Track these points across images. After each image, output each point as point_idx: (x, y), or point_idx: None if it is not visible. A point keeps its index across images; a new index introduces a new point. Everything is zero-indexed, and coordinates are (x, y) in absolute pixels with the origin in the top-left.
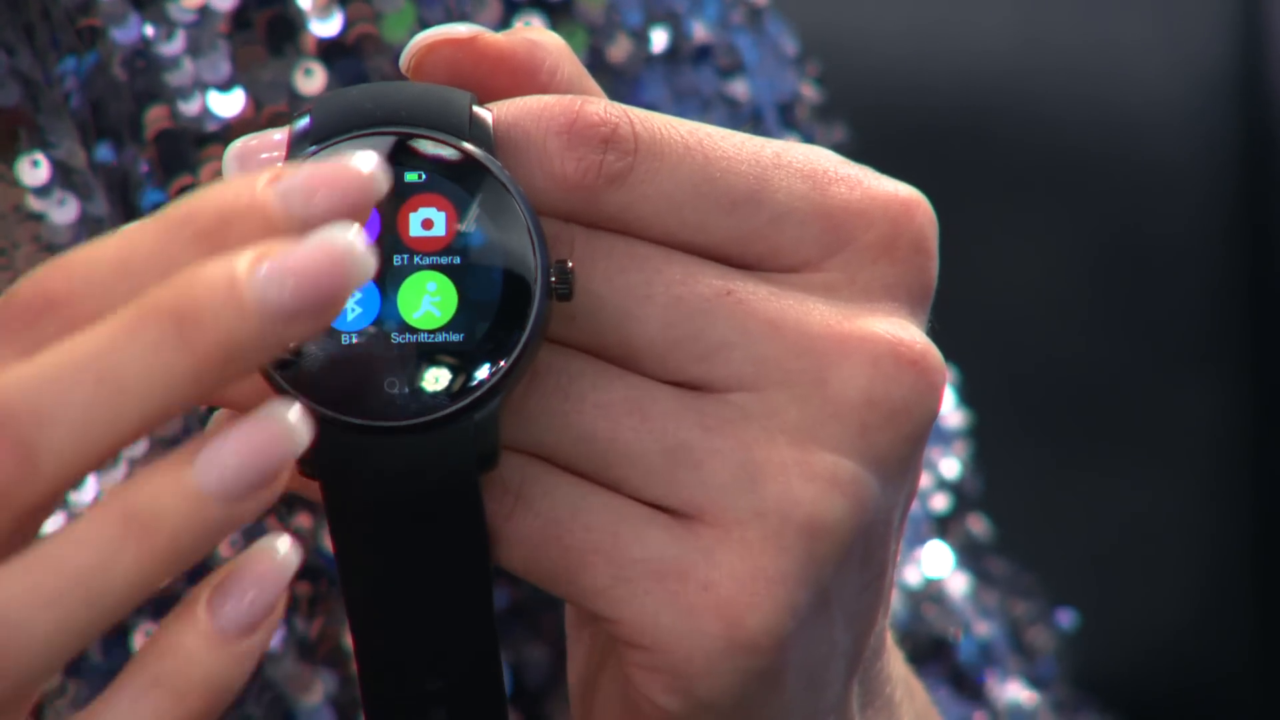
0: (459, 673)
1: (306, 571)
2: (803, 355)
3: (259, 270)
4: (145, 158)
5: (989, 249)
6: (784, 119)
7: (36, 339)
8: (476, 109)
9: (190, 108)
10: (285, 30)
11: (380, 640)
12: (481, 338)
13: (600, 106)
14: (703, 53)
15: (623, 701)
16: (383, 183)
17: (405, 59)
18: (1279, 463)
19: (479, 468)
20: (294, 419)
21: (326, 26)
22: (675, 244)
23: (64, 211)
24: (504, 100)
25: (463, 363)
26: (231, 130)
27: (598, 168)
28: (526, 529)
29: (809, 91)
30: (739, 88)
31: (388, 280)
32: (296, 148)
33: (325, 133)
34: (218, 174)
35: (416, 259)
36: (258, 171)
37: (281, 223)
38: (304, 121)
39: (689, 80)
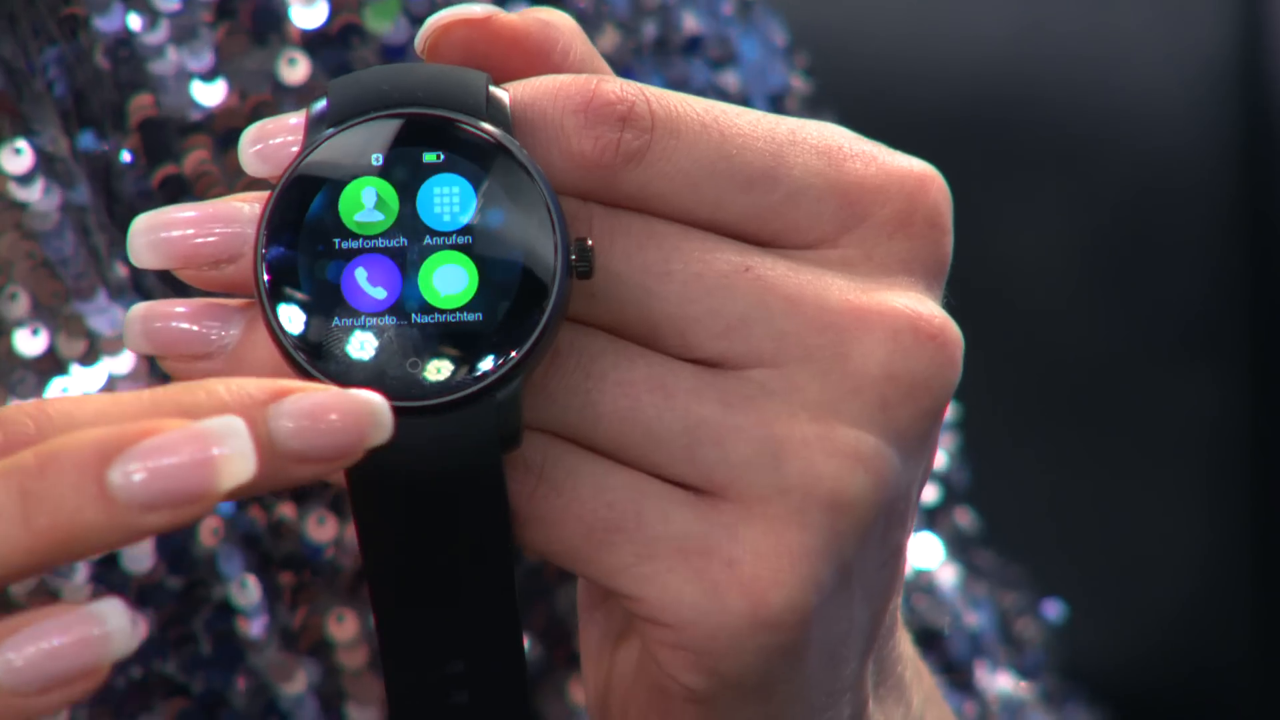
0: (481, 654)
1: (291, 561)
2: (823, 330)
3: (122, 463)
4: (128, 146)
5: (982, 238)
6: (774, 110)
7: None
8: (493, 89)
9: (174, 97)
10: (269, 19)
11: (402, 622)
12: (503, 317)
13: (616, 85)
14: (693, 44)
15: (643, 679)
16: (385, 427)
17: (420, 40)
18: (1275, 453)
19: (502, 447)
20: (115, 625)
21: (310, 16)
22: (692, 221)
23: (47, 200)
24: (520, 80)
25: (484, 342)
26: (215, 119)
27: (615, 146)
28: (549, 508)
29: (799, 83)
30: (729, 79)
31: (408, 261)
32: (314, 130)
33: (343, 115)
34: (201, 163)
35: (436, 239)
36: (264, 381)
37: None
38: (321, 104)
39: (679, 71)
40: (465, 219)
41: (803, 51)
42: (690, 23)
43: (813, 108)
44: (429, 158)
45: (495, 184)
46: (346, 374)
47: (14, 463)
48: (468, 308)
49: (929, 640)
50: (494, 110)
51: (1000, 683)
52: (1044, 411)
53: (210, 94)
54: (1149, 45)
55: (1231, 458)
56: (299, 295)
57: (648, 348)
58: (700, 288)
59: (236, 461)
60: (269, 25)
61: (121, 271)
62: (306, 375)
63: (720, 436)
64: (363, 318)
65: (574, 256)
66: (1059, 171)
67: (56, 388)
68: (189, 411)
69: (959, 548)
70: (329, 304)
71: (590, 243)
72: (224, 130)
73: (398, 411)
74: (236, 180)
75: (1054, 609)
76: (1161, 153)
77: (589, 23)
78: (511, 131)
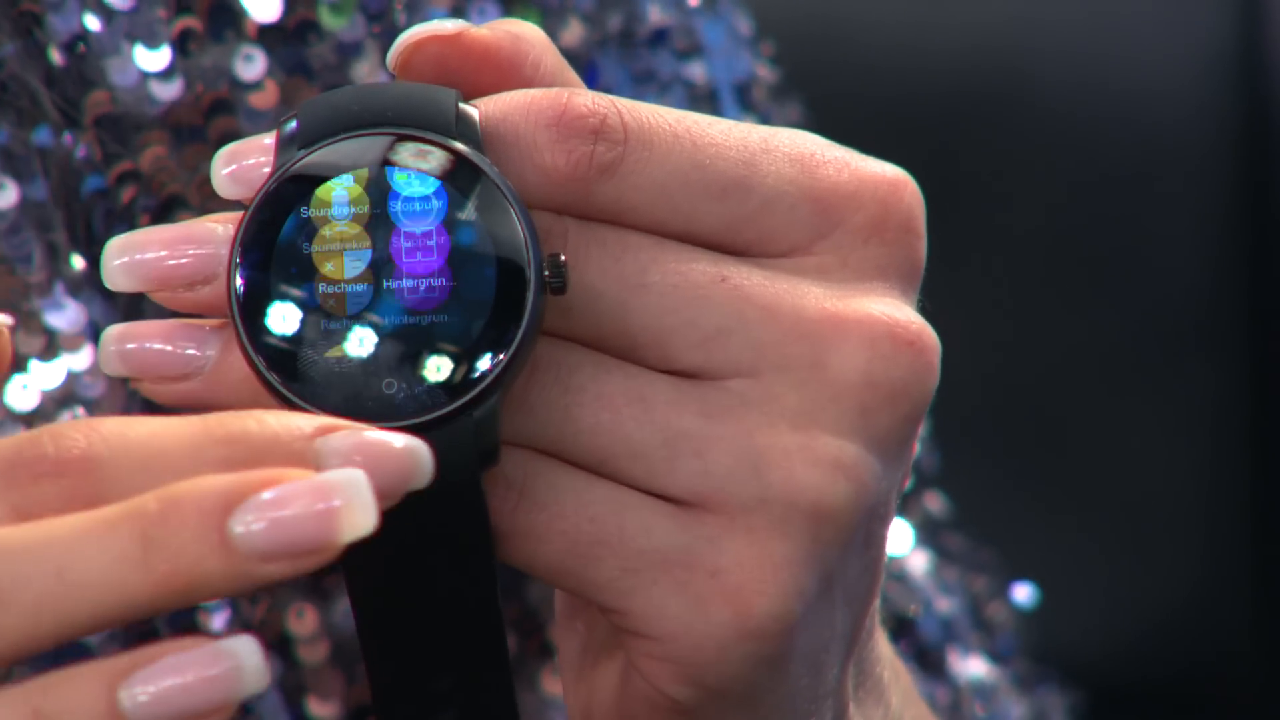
0: (466, 671)
1: None
2: (800, 339)
3: (243, 513)
4: (85, 142)
5: (970, 228)
6: (741, 100)
7: (32, 499)
8: (463, 106)
9: (130, 93)
10: (225, 15)
11: (387, 641)
12: (478, 335)
13: (588, 98)
14: (658, 35)
15: (626, 691)
16: (426, 471)
17: (392, 57)
18: (1274, 441)
19: (480, 464)
20: (250, 662)
21: (266, 11)
22: (667, 232)
23: (4, 195)
24: (490, 96)
25: (460, 360)
26: (171, 115)
27: (589, 159)
28: (530, 523)
29: (765, 72)
30: (696, 70)
31: (382, 281)
32: (284, 151)
33: (313, 135)
34: (158, 159)
35: (410, 259)
36: (312, 417)
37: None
38: (292, 125)
39: (645, 63)
40: (438, 238)
41: (768, 40)
42: (655, 14)
43: (779, 97)
44: (400, 177)
45: (467, 202)
46: (321, 396)
47: (135, 507)
48: (442, 328)
49: (900, 626)
50: (464, 127)
51: (972, 668)
52: (1043, 402)
53: (167, 90)
54: (1146, 32)
55: (1230, 446)
56: (272, 318)
57: (625, 360)
58: (677, 299)
59: (358, 513)
60: (225, 21)
61: (79, 267)
62: (281, 397)
63: (701, 448)
64: (336, 341)
65: (548, 272)
66: (1054, 160)
67: (16, 385)
68: (239, 438)
69: (929, 533)
70: (302, 327)
71: (564, 258)
72: (181, 126)
73: None
74: (193, 176)
75: (1025, 592)
76: (1159, 141)
77: (554, 15)
78: (482, 148)
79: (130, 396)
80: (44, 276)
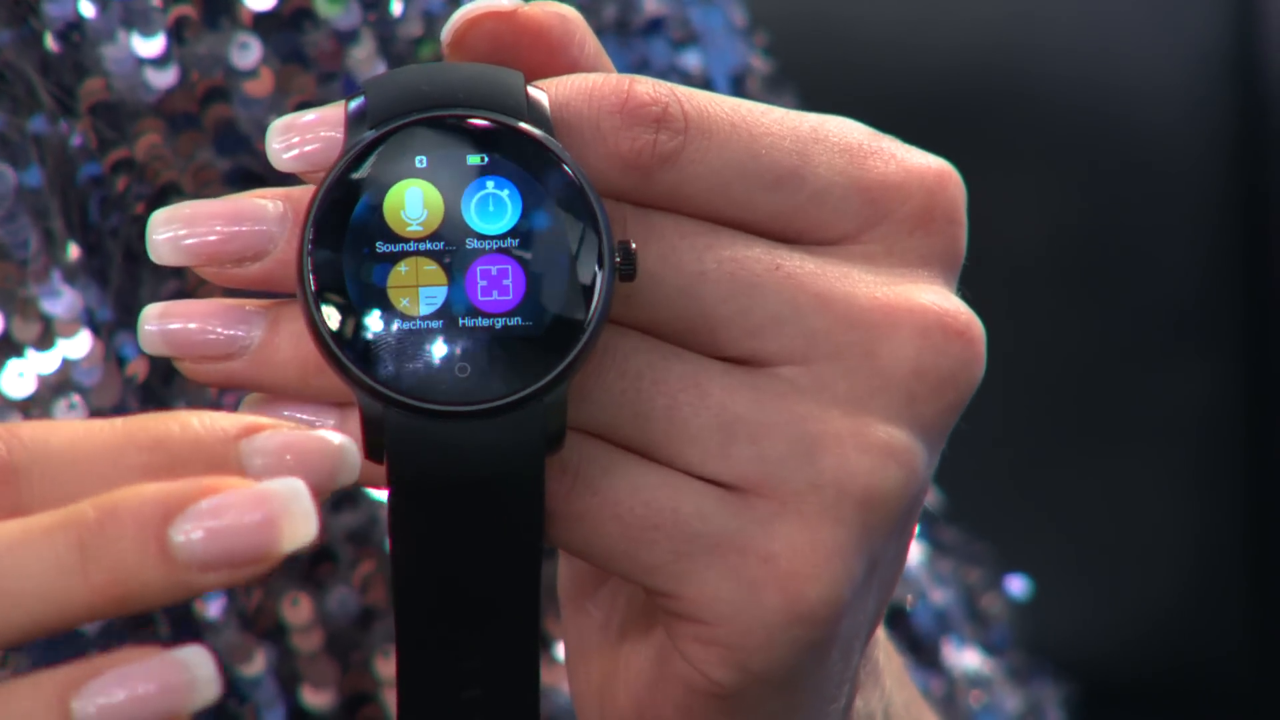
0: (499, 650)
1: None
2: (852, 328)
3: (183, 522)
4: (80, 129)
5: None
6: (735, 91)
7: None
8: (531, 89)
9: (125, 80)
10: (221, 3)
11: (424, 614)
12: (550, 320)
13: (649, 85)
14: (654, 25)
15: (663, 673)
16: (353, 469)
17: (448, 33)
18: (1268, 440)
19: (547, 449)
20: (202, 673)
21: None
22: (722, 221)
23: (0, 183)
24: (552, 79)
25: (533, 346)
26: (166, 103)
27: (651, 147)
28: (585, 507)
29: (759, 62)
30: (691, 60)
31: (455, 265)
32: (354, 129)
33: (382, 115)
34: (153, 147)
35: (483, 243)
36: (237, 418)
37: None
38: (358, 102)
39: (640, 53)
40: (511, 222)
41: (762, 30)
42: (650, 4)
43: (773, 87)
44: (473, 160)
45: (540, 187)
46: (394, 379)
47: (72, 515)
48: (515, 311)
49: (894, 617)
50: (534, 111)
51: (967, 660)
52: (1035, 398)
53: (162, 78)
54: (1141, 30)
55: (1223, 444)
56: (345, 299)
57: (681, 347)
58: (733, 287)
59: (298, 522)
60: (220, 9)
61: (74, 255)
62: (352, 379)
63: (754, 433)
64: (411, 321)
65: (618, 259)
66: (1049, 157)
67: (12, 371)
68: (161, 442)
69: (924, 525)
70: (375, 308)
71: (634, 245)
72: (176, 114)
73: (447, 416)
74: (189, 164)
75: (1018, 585)
76: (1154, 139)
77: None
78: (553, 132)
79: (126, 385)
80: (40, 264)
